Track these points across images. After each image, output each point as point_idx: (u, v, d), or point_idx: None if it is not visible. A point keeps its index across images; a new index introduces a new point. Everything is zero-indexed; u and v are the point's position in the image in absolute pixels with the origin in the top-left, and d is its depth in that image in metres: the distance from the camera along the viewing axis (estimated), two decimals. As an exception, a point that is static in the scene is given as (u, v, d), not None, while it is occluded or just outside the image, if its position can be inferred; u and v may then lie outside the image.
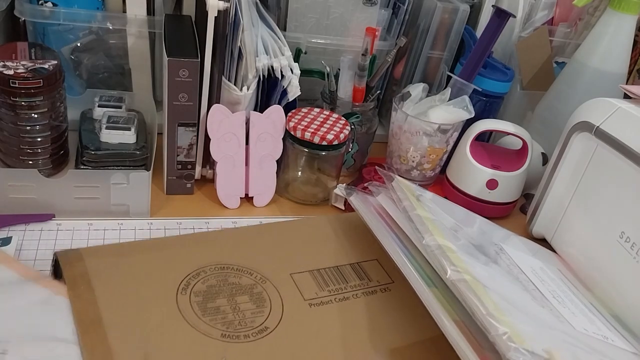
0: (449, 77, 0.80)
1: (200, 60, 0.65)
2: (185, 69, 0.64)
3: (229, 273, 0.57)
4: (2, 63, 0.62)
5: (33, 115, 0.63)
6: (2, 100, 0.62)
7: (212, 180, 0.74)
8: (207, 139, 0.69)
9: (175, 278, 0.55)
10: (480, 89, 0.80)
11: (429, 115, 0.77)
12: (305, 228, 0.66)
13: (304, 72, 0.74)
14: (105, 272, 0.53)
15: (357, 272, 0.61)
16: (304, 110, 0.74)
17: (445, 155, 0.81)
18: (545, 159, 0.82)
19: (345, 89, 0.79)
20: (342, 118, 0.75)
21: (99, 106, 0.72)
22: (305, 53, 0.80)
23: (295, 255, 0.62)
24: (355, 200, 0.67)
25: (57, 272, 0.54)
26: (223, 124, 0.68)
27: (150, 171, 0.65)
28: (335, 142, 0.71)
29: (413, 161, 0.80)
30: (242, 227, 0.66)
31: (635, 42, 0.85)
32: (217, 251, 0.60)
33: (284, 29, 0.81)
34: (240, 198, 0.72)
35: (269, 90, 0.71)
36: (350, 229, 0.67)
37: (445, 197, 0.78)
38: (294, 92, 0.71)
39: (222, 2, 0.62)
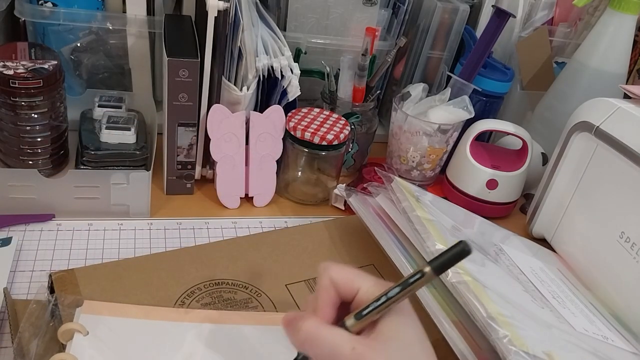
0: (449, 77, 0.80)
1: (200, 60, 0.65)
2: (185, 69, 0.64)
3: (224, 289, 0.57)
4: (2, 63, 0.62)
5: (33, 115, 0.63)
6: (2, 100, 0.62)
7: (212, 180, 0.74)
8: (207, 139, 0.69)
9: (170, 299, 0.54)
10: (480, 89, 0.80)
11: (429, 115, 0.77)
12: (300, 235, 0.66)
13: (304, 72, 0.74)
14: (100, 298, 0.52)
15: None
16: (304, 110, 0.74)
17: (445, 155, 0.81)
18: (545, 159, 0.82)
19: (345, 89, 0.79)
20: (342, 118, 0.75)
21: (99, 106, 0.72)
22: (305, 53, 0.80)
23: (290, 264, 0.62)
24: (354, 201, 0.67)
25: (53, 293, 0.53)
26: (223, 124, 0.68)
27: (150, 171, 0.65)
28: (335, 142, 0.71)
29: (413, 161, 0.80)
30: (236, 238, 0.66)
31: (635, 42, 0.84)
32: (211, 266, 0.59)
33: (284, 29, 0.80)
34: (240, 198, 0.72)
35: (269, 90, 0.71)
36: (346, 233, 0.67)
37: (445, 197, 0.78)
38: (294, 92, 0.71)
39: (222, 2, 0.62)
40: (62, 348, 0.47)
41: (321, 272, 0.40)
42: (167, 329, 0.51)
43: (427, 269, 0.36)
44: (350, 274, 0.39)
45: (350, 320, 0.38)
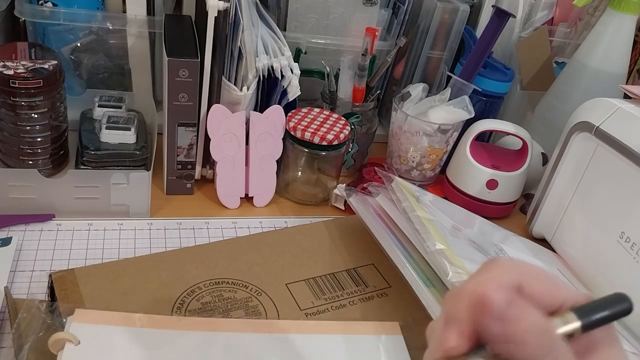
0: (449, 77, 0.80)
1: (200, 60, 0.65)
2: (185, 69, 0.64)
3: (224, 288, 0.57)
4: (2, 63, 0.62)
5: (33, 115, 0.63)
6: (2, 100, 0.62)
7: (212, 180, 0.74)
8: (207, 139, 0.69)
9: (170, 298, 0.54)
10: (480, 89, 0.80)
11: (429, 115, 0.77)
12: (300, 235, 0.66)
13: (304, 72, 0.74)
14: (100, 297, 0.52)
15: (353, 278, 0.61)
16: (304, 110, 0.74)
17: (445, 155, 0.81)
18: (545, 159, 0.82)
19: (345, 89, 0.79)
20: (342, 118, 0.75)
21: (99, 106, 0.72)
22: (305, 53, 0.80)
23: (290, 264, 0.62)
24: (354, 201, 0.67)
25: (53, 292, 0.53)
26: (223, 124, 0.68)
27: (150, 171, 0.65)
28: (335, 142, 0.71)
29: (413, 161, 0.80)
30: (236, 238, 0.66)
31: (635, 42, 0.84)
32: (211, 266, 0.59)
33: (284, 29, 0.81)
34: (240, 198, 0.72)
35: (269, 90, 0.71)
36: (346, 233, 0.67)
37: (445, 197, 0.78)
38: (294, 92, 0.71)
39: (222, 2, 0.62)
40: (53, 359, 0.46)
41: (501, 268, 0.30)
42: (160, 337, 0.50)
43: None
44: (548, 281, 0.30)
45: (569, 317, 0.29)
